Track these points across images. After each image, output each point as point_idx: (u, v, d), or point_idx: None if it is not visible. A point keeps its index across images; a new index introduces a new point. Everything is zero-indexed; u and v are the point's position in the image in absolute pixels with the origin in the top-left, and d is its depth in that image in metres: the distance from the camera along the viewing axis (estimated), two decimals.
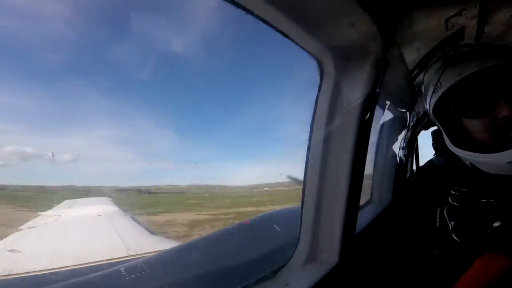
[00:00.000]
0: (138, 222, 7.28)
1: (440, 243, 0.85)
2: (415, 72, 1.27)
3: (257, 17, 0.64)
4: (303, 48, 0.81)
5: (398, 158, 1.99)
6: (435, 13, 0.88)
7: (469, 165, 0.83)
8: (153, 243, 5.34)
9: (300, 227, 1.05)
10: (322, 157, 0.96)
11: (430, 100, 0.89)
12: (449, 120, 0.85)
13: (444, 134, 0.90)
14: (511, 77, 0.72)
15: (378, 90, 0.92)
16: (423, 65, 1.19)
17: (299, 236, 1.06)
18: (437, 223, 0.90)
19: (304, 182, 1.02)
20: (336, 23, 0.70)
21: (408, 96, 1.50)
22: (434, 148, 1.96)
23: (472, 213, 0.79)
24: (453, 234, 0.82)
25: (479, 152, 0.76)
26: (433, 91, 0.86)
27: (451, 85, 0.80)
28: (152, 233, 6.71)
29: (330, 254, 1.00)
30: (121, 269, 1.96)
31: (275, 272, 0.99)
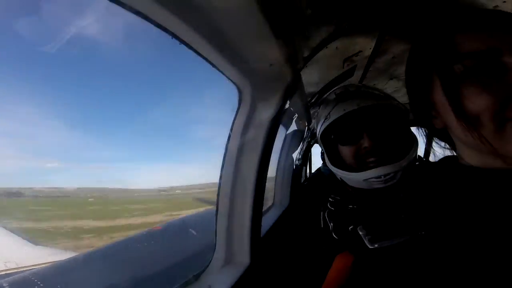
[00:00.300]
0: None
1: (326, 241, 1.00)
2: (313, 100, 1.47)
3: (185, 43, 0.63)
4: (226, 76, 0.83)
5: (295, 166, 2.26)
6: (337, 53, 1.00)
7: (339, 179, 1.05)
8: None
9: (216, 231, 1.11)
10: (235, 165, 1.05)
11: (320, 127, 1.07)
12: (329, 145, 1.06)
13: (325, 154, 1.10)
14: (376, 116, 0.93)
15: (283, 111, 1.05)
16: (319, 95, 1.44)
17: (216, 239, 1.12)
18: (322, 224, 1.05)
19: (219, 187, 1.08)
20: (255, 55, 0.71)
21: (305, 118, 1.73)
22: (322, 158, 2.29)
23: (343, 216, 0.97)
24: (333, 233, 0.97)
25: (346, 171, 0.98)
26: (323, 121, 1.04)
27: (336, 118, 0.97)
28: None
29: (243, 256, 1.09)
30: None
31: (197, 276, 1.05)
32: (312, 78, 1.16)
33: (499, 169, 0.41)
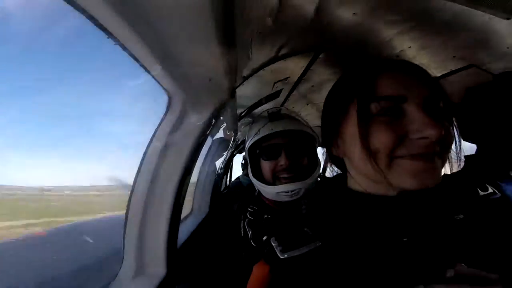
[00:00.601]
0: None
1: (246, 249, 1.05)
2: (243, 113, 1.53)
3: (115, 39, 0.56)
4: (155, 78, 0.76)
5: (217, 174, 2.26)
6: (271, 75, 1.07)
7: (257, 190, 1.16)
8: None
9: (124, 239, 1.01)
10: (155, 170, 0.99)
11: (250, 141, 1.17)
12: (254, 158, 1.16)
13: (249, 166, 1.20)
14: (295, 139, 1.11)
15: (213, 122, 1.03)
16: (249, 110, 1.52)
17: (124, 248, 1.01)
18: (242, 232, 1.10)
19: (132, 192, 1.00)
20: (195, 63, 0.68)
21: (232, 129, 1.77)
22: (242, 168, 2.39)
23: (259, 225, 1.06)
24: (251, 241, 1.03)
25: (263, 183, 1.10)
26: (254, 136, 1.15)
27: (264, 135, 1.10)
28: None
29: (157, 266, 1.02)
30: None
31: None
32: (245, 92, 1.21)
33: (384, 196, 0.52)
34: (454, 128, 0.54)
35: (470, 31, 0.98)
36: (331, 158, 0.65)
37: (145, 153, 1.00)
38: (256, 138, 1.12)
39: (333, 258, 0.49)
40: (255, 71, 0.96)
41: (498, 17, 0.79)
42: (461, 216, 0.51)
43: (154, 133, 0.99)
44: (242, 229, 1.15)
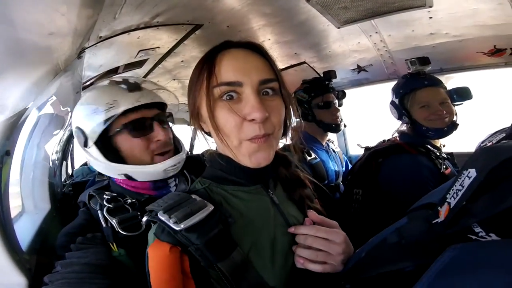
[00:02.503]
0: None
1: (114, 238, 0.90)
2: (87, 83, 1.21)
3: None
4: None
5: (51, 162, 1.67)
6: (137, 42, 0.89)
7: (123, 176, 0.96)
8: None
9: None
10: None
11: (97, 116, 0.91)
12: (109, 138, 0.93)
13: (101, 149, 0.95)
14: (162, 112, 0.98)
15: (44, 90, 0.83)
16: (96, 80, 1.23)
17: None
18: (103, 223, 0.93)
19: None
20: (29, 11, 0.43)
21: (71, 102, 1.37)
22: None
23: (125, 209, 0.94)
24: (119, 229, 0.89)
25: (138, 165, 0.93)
26: (106, 109, 0.90)
27: (127, 108, 0.88)
28: None
29: None
30: None
31: None
32: (95, 60, 0.94)
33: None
34: (292, 109, 0.63)
35: (312, 34, 1.27)
36: (194, 129, 0.66)
37: None
38: (113, 112, 0.91)
39: (227, 217, 0.54)
40: (117, 33, 0.76)
41: (333, 25, 1.06)
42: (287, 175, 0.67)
43: None
44: (102, 220, 0.95)
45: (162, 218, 0.50)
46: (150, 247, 0.53)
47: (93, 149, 0.95)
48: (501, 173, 0.27)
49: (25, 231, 1.21)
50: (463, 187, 0.32)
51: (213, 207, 0.53)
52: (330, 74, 1.54)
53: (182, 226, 0.49)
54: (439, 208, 0.37)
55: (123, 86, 0.96)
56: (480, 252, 0.26)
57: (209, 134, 0.62)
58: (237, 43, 0.57)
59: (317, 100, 1.46)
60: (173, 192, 0.59)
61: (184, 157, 1.00)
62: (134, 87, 0.96)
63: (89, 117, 0.95)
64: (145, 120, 0.93)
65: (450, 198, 0.34)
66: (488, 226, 0.29)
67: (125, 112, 0.90)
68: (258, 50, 0.57)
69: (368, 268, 0.47)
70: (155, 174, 0.97)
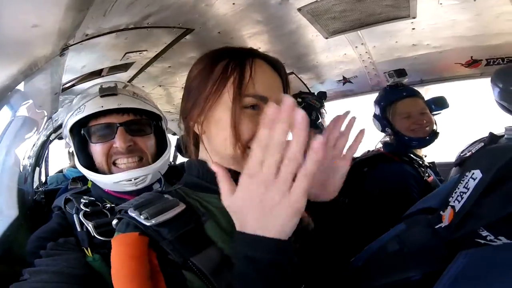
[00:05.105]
0: None
1: (89, 242, 0.85)
2: (66, 86, 1.16)
3: None
4: None
5: (22, 167, 1.54)
6: (124, 43, 0.86)
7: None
8: None
9: None
10: None
11: (68, 119, 0.93)
12: (79, 142, 0.93)
13: (74, 152, 0.96)
14: (134, 118, 0.93)
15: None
16: (76, 83, 1.18)
17: None
18: (78, 227, 0.88)
19: None
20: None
21: (49, 105, 1.29)
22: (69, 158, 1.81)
23: (102, 214, 0.90)
24: (95, 234, 0.86)
25: (95, 173, 0.91)
26: (75, 113, 0.91)
27: (89, 113, 0.88)
28: None
29: None
30: None
31: None
32: (76, 61, 0.89)
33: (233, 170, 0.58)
34: None
35: (300, 44, 1.29)
36: (186, 131, 0.64)
37: None
38: (78, 116, 0.90)
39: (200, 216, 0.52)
40: (104, 32, 0.72)
41: (322, 36, 1.08)
42: None
43: None
44: (77, 224, 0.90)
45: (132, 215, 0.48)
46: (113, 238, 0.49)
47: (76, 154, 0.94)
48: (508, 172, 0.27)
49: None
50: (468, 189, 0.32)
51: (185, 206, 0.52)
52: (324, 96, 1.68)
53: (153, 221, 0.47)
54: (441, 212, 0.37)
55: (98, 90, 0.94)
56: (494, 257, 0.25)
57: (197, 136, 0.61)
58: (264, 55, 0.58)
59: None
60: (145, 193, 0.57)
61: (155, 169, 0.95)
62: (108, 91, 0.94)
63: (65, 121, 0.94)
64: (108, 126, 0.89)
65: (454, 202, 0.34)
66: (496, 229, 0.29)
67: (96, 117, 0.89)
68: (279, 71, 0.58)
69: (370, 278, 0.45)
70: (109, 186, 0.93)
